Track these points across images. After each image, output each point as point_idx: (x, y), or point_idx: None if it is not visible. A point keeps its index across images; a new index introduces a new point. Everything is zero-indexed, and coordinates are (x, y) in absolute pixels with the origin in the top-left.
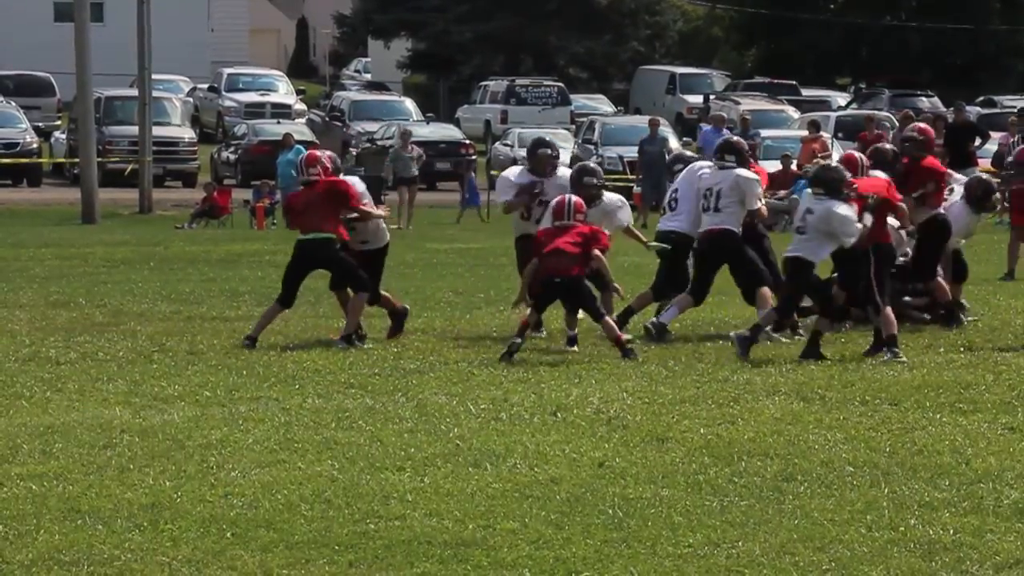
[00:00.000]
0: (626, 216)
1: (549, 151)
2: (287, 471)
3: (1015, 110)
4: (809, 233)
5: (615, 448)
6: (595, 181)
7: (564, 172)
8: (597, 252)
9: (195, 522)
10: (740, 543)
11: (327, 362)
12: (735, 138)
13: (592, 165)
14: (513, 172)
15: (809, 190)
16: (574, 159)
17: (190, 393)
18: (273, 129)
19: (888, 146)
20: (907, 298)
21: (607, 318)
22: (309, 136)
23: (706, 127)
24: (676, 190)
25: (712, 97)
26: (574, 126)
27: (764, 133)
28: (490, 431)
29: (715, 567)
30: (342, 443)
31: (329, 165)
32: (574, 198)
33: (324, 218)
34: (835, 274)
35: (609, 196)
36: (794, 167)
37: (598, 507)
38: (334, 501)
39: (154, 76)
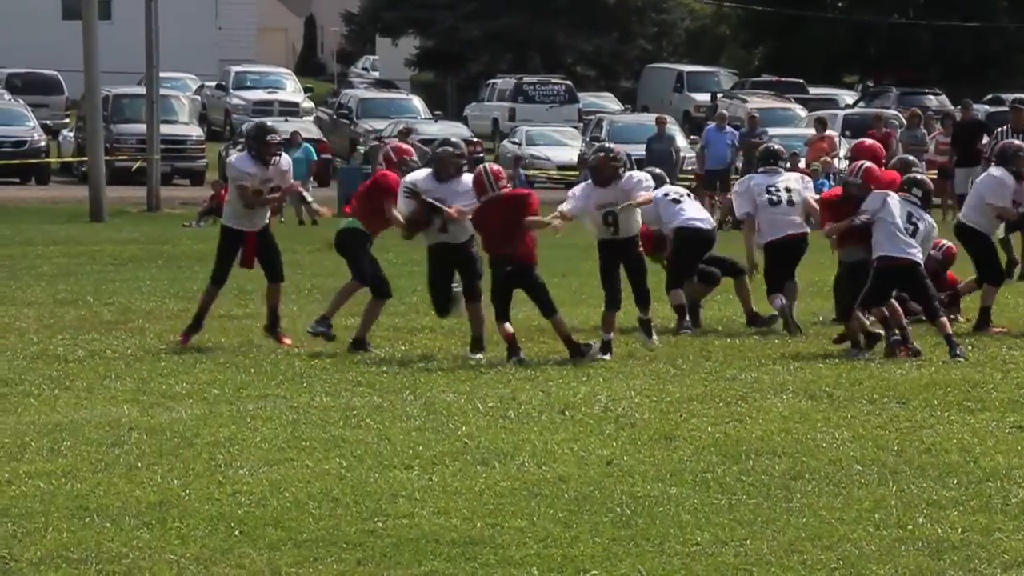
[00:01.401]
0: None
1: (451, 149)
2: (295, 469)
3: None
4: (922, 242)
5: (623, 446)
6: (451, 150)
7: (468, 178)
8: (528, 219)
9: (203, 520)
10: (748, 541)
11: (335, 360)
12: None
13: (455, 140)
14: (418, 176)
15: (895, 195)
16: (582, 157)
17: (198, 391)
18: (281, 127)
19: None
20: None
21: (559, 315)
22: (317, 134)
23: (710, 125)
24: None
25: (719, 95)
26: (582, 124)
27: (771, 131)
28: (498, 429)
29: (723, 565)
30: (350, 441)
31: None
32: (492, 166)
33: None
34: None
35: (631, 173)
36: (802, 165)
37: (606, 505)
38: (342, 499)
39: (162, 74)
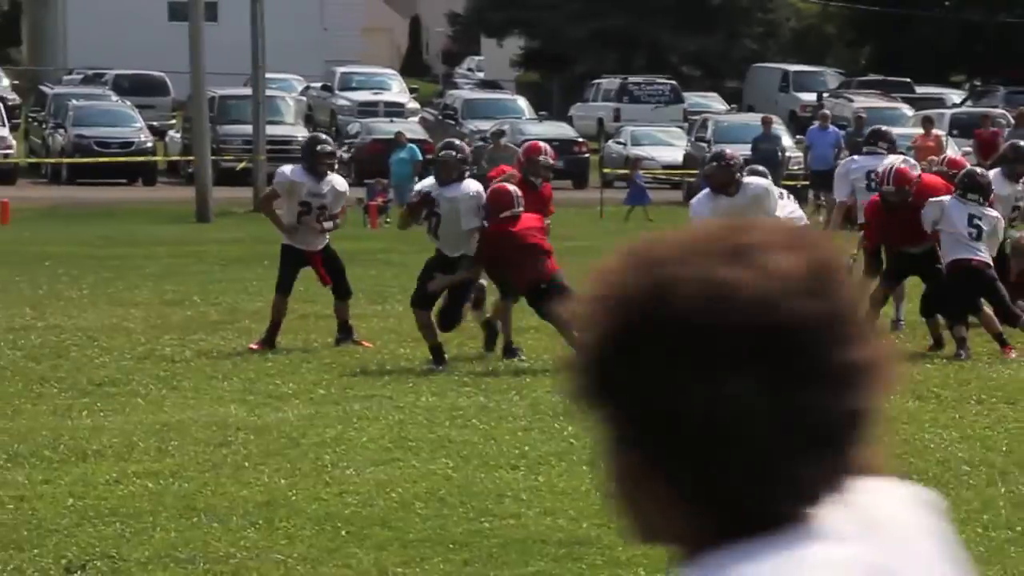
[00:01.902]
0: (772, 206)
1: (454, 153)
2: (401, 469)
3: None
4: (987, 239)
5: None
6: (454, 154)
7: (471, 184)
8: None
9: (310, 520)
10: None
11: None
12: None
13: (457, 142)
14: (425, 183)
15: (952, 199)
16: (687, 157)
17: (304, 391)
18: (386, 128)
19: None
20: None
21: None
22: (422, 135)
23: (814, 126)
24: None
25: (825, 95)
26: (687, 124)
27: None
28: None
29: None
30: (456, 441)
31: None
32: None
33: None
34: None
35: (753, 181)
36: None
37: None
38: (449, 499)
39: (268, 75)
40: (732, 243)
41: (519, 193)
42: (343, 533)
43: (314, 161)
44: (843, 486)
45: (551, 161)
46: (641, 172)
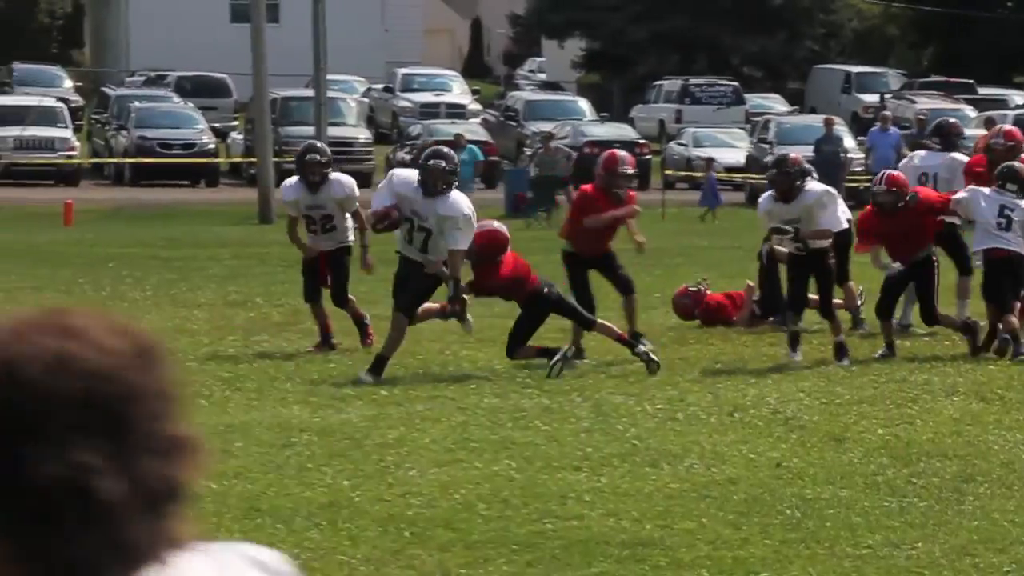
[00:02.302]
0: (832, 218)
1: (443, 163)
2: (464, 470)
3: None
4: (1018, 230)
5: (792, 448)
6: (443, 163)
7: (461, 201)
8: None
9: (373, 521)
10: (919, 544)
11: (503, 361)
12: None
13: (445, 150)
14: (408, 179)
15: (986, 191)
16: (749, 159)
17: (367, 392)
18: (448, 129)
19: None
20: None
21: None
22: (484, 136)
23: (875, 127)
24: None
25: (888, 96)
26: (749, 125)
27: None
28: (667, 431)
29: (895, 568)
30: (519, 443)
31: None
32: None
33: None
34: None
35: (813, 188)
36: None
37: (776, 507)
38: (512, 501)
39: (329, 76)
40: (62, 323)
41: (508, 236)
42: (406, 534)
43: (303, 171)
44: (167, 553)
45: (630, 170)
46: (715, 174)
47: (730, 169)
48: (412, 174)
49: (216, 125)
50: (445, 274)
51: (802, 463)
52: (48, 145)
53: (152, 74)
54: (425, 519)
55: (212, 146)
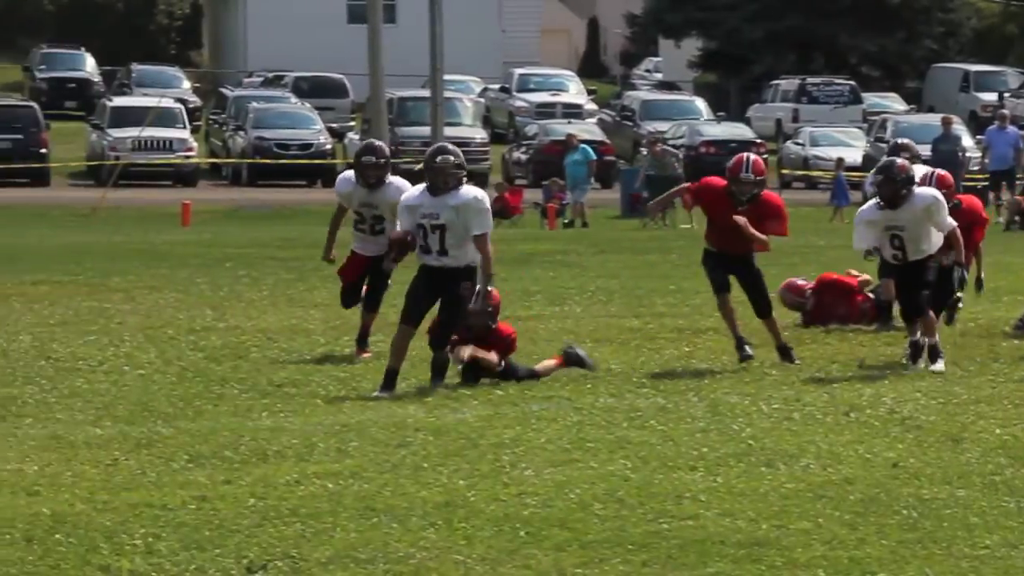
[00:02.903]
0: (941, 216)
1: (451, 159)
2: (580, 470)
3: None
4: None
5: (909, 448)
6: (451, 159)
7: (467, 188)
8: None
9: (489, 521)
10: None
11: (619, 361)
12: None
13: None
14: (412, 193)
15: None
16: (866, 158)
17: (483, 392)
18: (564, 129)
19: None
20: None
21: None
22: (600, 136)
23: (993, 125)
24: None
25: (1006, 95)
26: (866, 124)
27: None
28: (783, 431)
29: (1013, 569)
30: (635, 442)
31: None
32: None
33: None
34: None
35: (921, 193)
36: None
37: (892, 507)
38: (627, 500)
39: (446, 77)
40: None
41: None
42: (522, 534)
43: (359, 172)
44: None
45: (753, 177)
46: (843, 173)
47: (847, 168)
48: (417, 188)
49: (333, 125)
50: (479, 295)
51: (919, 463)
52: (166, 146)
53: (270, 75)
54: (541, 519)
55: (329, 147)
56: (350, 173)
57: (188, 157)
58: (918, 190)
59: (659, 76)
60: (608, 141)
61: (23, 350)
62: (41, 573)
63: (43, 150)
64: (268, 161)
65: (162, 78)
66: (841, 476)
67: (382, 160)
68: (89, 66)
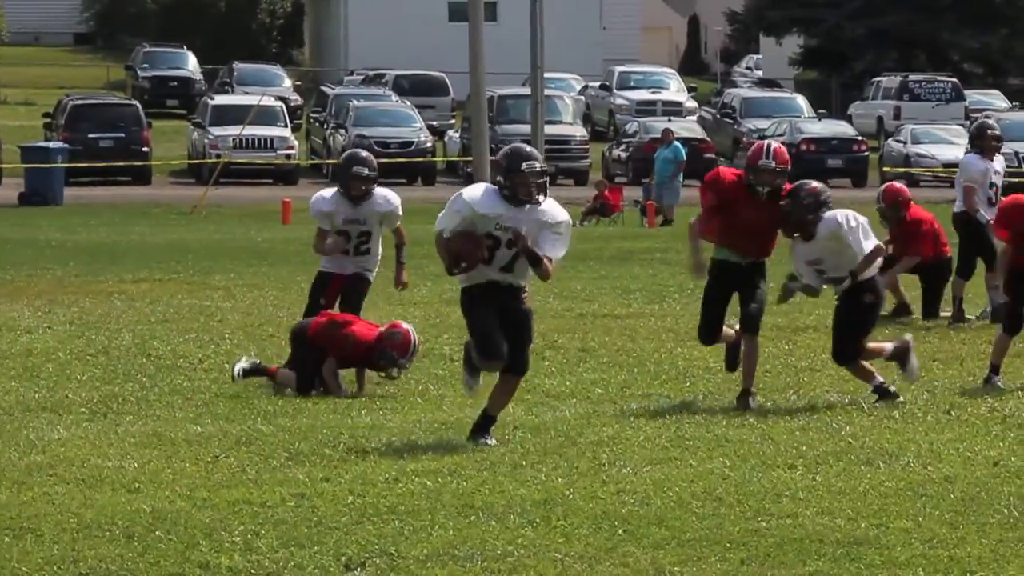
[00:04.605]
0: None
1: (537, 166)
2: (678, 468)
3: None
4: None
5: (1010, 447)
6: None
7: (553, 203)
8: None
9: (587, 518)
10: None
11: (718, 359)
12: None
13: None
14: (476, 194)
15: None
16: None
17: (582, 390)
18: (658, 125)
19: None
20: None
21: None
22: (700, 134)
23: None
24: None
25: None
26: (968, 122)
27: None
28: (882, 429)
29: None
30: (733, 440)
31: None
32: None
33: None
34: None
35: (827, 218)
36: None
37: (993, 506)
38: (725, 499)
39: (546, 74)
40: None
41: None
42: (620, 532)
43: (348, 184)
44: None
45: (774, 165)
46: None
47: (948, 166)
48: (481, 188)
49: (433, 123)
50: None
51: (1020, 462)
52: (267, 144)
53: (370, 73)
54: (638, 517)
55: (429, 145)
56: (326, 191)
57: (289, 155)
58: (826, 215)
59: (760, 73)
60: (708, 139)
61: (124, 348)
62: (141, 570)
63: (145, 148)
64: None
65: (263, 76)
66: (941, 474)
67: (374, 172)
68: (191, 65)
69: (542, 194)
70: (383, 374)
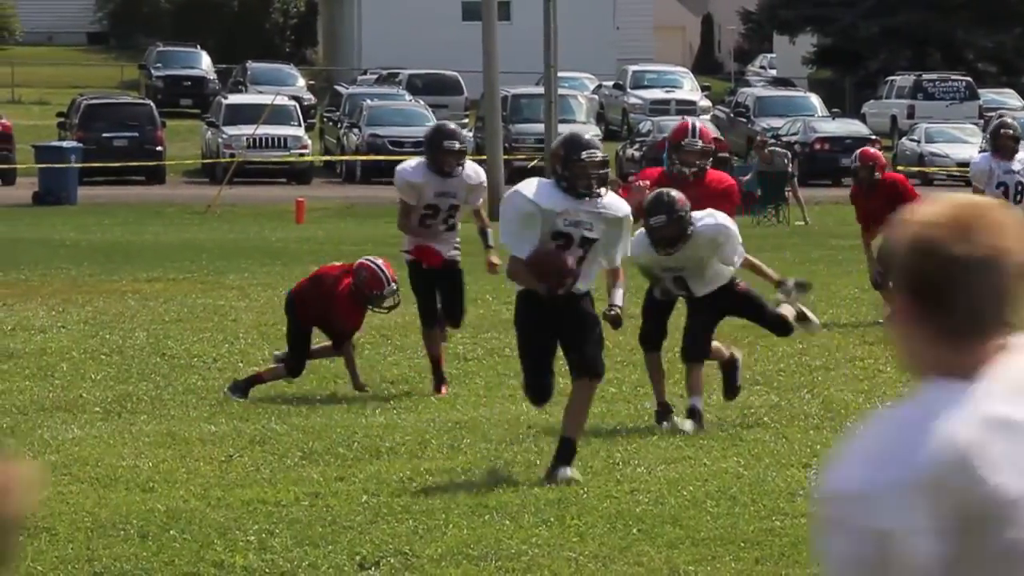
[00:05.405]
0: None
1: (597, 155)
2: (692, 467)
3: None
4: None
5: None
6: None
7: (614, 197)
8: None
9: (601, 518)
10: None
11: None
12: None
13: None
14: (533, 189)
15: None
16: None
17: (596, 390)
18: (669, 125)
19: None
20: None
21: None
22: (714, 133)
23: None
24: None
25: None
26: (982, 121)
27: None
28: None
29: None
30: (747, 440)
31: None
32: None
33: None
34: None
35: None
36: None
37: None
38: (740, 498)
39: (560, 74)
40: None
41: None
42: (634, 531)
43: (439, 159)
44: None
45: (699, 144)
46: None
47: (962, 165)
48: (535, 183)
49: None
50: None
51: None
52: (281, 143)
53: (384, 72)
54: (653, 516)
55: None
56: (414, 162)
57: (302, 154)
58: (700, 222)
59: (773, 72)
60: (722, 138)
61: (138, 347)
62: (155, 569)
63: (159, 148)
64: (382, 158)
65: (277, 76)
66: None
67: (464, 144)
68: (204, 64)
69: (603, 186)
70: (383, 311)
